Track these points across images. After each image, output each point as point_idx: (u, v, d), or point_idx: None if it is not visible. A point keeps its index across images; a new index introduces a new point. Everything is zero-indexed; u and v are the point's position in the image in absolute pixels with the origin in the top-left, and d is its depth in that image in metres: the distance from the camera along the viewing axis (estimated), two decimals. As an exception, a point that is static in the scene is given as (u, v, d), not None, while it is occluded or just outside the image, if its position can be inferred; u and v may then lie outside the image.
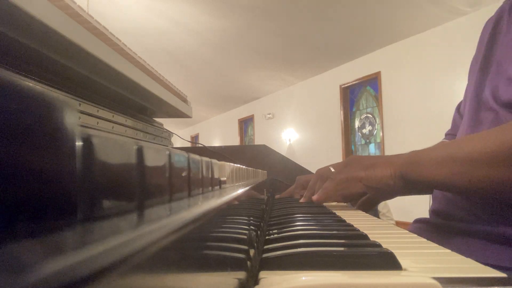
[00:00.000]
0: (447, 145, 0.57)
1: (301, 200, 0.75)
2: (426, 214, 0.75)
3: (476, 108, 0.62)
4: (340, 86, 5.24)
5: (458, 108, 0.81)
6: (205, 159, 0.25)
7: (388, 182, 0.61)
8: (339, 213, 0.63)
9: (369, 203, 0.72)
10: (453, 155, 0.53)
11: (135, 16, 4.12)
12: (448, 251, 0.37)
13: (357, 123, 5.14)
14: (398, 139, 4.32)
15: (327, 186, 0.69)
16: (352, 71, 5.03)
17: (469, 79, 0.71)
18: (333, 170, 0.71)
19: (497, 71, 0.59)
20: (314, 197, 0.71)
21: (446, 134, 0.86)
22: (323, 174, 0.73)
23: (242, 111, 7.79)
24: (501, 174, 0.47)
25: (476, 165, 0.50)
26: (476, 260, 0.47)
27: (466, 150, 0.52)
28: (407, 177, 0.59)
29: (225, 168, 0.34)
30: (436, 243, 0.61)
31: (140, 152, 0.14)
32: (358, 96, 5.14)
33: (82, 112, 0.48)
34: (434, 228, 0.66)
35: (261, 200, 0.62)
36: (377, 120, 4.80)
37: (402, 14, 3.71)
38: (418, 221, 0.72)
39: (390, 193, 0.64)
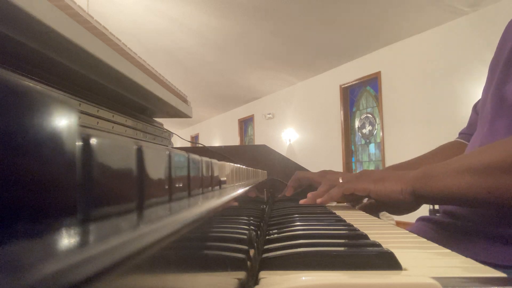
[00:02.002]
0: (463, 157, 0.55)
1: (302, 202, 0.75)
2: (426, 214, 0.76)
3: (498, 104, 0.61)
4: (340, 86, 5.24)
5: (475, 107, 0.80)
6: (205, 159, 0.25)
7: (397, 197, 0.60)
8: (339, 213, 0.63)
9: (372, 208, 0.72)
10: (471, 166, 0.51)
11: (135, 16, 4.12)
12: (448, 251, 0.37)
13: (357, 123, 5.14)
14: (398, 139, 4.32)
15: (333, 192, 0.69)
16: (352, 71, 5.03)
17: (488, 78, 0.70)
18: (341, 180, 0.71)
19: None
20: (319, 200, 0.71)
21: (460, 133, 0.85)
22: (331, 182, 0.72)
23: (242, 111, 7.79)
24: None
25: (496, 175, 0.48)
26: (479, 260, 0.47)
27: (484, 160, 0.50)
28: (419, 192, 0.57)
29: (225, 168, 0.34)
30: (439, 241, 0.61)
31: (140, 152, 0.14)
32: (358, 96, 5.14)
33: (82, 112, 0.48)
34: (437, 227, 0.66)
35: (261, 200, 0.62)
36: (377, 120, 4.80)
37: (402, 14, 3.71)
38: (422, 219, 0.73)
39: (399, 209, 0.63)
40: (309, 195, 0.74)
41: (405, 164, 0.85)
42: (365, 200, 0.76)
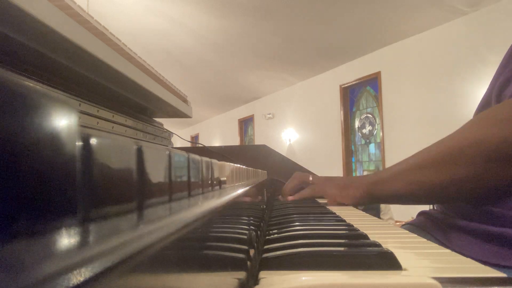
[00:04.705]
0: (406, 159, 0.62)
1: (280, 198, 0.86)
2: (426, 209, 0.77)
3: (484, 105, 0.64)
4: (340, 86, 5.24)
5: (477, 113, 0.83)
6: (205, 159, 0.25)
7: (358, 201, 0.70)
8: (339, 213, 0.63)
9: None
10: (407, 167, 0.59)
11: (135, 16, 4.12)
12: (448, 251, 0.37)
13: (357, 123, 5.14)
14: (398, 139, 4.32)
15: (304, 193, 0.80)
16: (352, 71, 5.03)
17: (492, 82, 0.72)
18: (311, 179, 0.81)
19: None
20: (290, 198, 0.82)
21: None
22: (303, 180, 0.82)
23: (242, 111, 7.79)
24: (445, 175, 0.53)
25: (422, 171, 0.56)
26: (476, 258, 0.48)
27: (416, 159, 0.58)
28: (374, 196, 0.66)
29: (225, 168, 0.34)
30: (438, 237, 0.62)
31: (140, 152, 0.14)
32: (358, 96, 5.13)
33: (82, 112, 0.48)
34: (437, 222, 0.67)
35: (261, 200, 0.62)
36: (377, 120, 4.80)
37: (402, 14, 3.71)
38: (422, 213, 0.74)
39: (360, 205, 0.73)
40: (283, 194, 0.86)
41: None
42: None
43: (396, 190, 0.61)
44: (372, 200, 0.67)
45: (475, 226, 0.56)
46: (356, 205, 0.72)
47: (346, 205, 0.77)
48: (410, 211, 3.14)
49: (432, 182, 0.55)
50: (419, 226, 0.70)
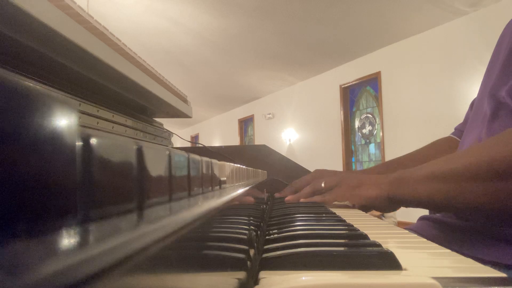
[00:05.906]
0: (431, 164, 0.59)
1: (287, 199, 0.80)
2: (427, 213, 0.76)
3: (495, 107, 0.61)
4: (340, 86, 5.24)
5: (472, 104, 0.82)
6: (205, 159, 0.25)
7: (373, 202, 0.64)
8: (339, 213, 0.63)
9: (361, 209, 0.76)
10: (434, 173, 0.55)
11: (135, 16, 4.12)
12: (448, 251, 0.37)
13: (357, 123, 5.14)
14: (398, 139, 4.32)
15: (316, 199, 0.76)
16: (352, 71, 5.03)
17: (484, 79, 0.70)
18: (323, 185, 0.76)
19: None
20: (302, 200, 0.78)
21: (456, 129, 0.88)
22: (315, 186, 0.78)
23: (242, 111, 7.79)
24: (477, 189, 0.49)
25: (452, 181, 0.52)
26: (481, 258, 0.48)
27: (445, 167, 0.53)
28: (393, 197, 0.61)
29: (225, 168, 0.34)
30: (441, 240, 0.62)
31: (140, 152, 0.14)
32: (358, 96, 5.13)
33: (82, 112, 0.48)
34: (438, 225, 0.66)
35: (261, 200, 0.62)
36: (377, 120, 4.79)
37: (402, 14, 3.71)
38: (423, 218, 0.74)
39: (379, 209, 0.67)
40: (295, 195, 0.82)
41: (396, 160, 0.90)
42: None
43: (419, 195, 0.55)
44: (388, 201, 0.62)
45: (490, 227, 0.55)
46: (369, 205, 0.66)
47: (356, 206, 0.71)
48: (414, 214, 3.14)
49: (461, 194, 0.50)
50: (419, 232, 0.69)
